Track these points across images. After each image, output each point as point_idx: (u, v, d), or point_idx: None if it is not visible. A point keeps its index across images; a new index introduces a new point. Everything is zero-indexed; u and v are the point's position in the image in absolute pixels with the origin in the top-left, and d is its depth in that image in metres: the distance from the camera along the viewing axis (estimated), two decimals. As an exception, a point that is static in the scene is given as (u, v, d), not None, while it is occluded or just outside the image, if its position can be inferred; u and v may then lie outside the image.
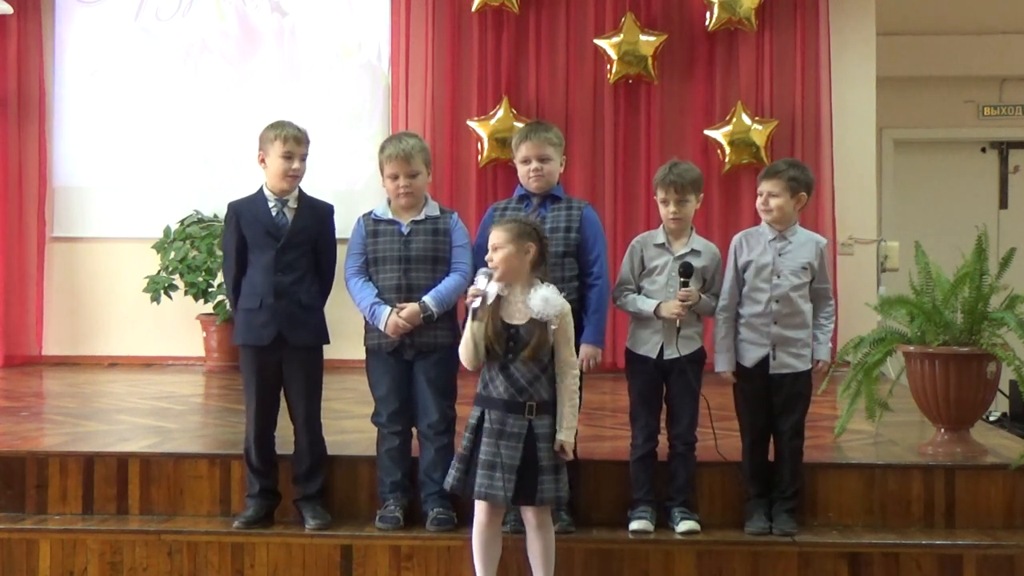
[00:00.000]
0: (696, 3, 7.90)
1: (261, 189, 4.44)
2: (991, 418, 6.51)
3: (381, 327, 4.27)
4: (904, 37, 8.88)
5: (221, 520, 4.45)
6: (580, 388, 4.19)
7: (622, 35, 7.75)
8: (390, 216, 4.39)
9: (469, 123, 7.90)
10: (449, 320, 4.33)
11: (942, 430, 4.66)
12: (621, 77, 7.81)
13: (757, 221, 4.48)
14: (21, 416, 5.75)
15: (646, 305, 4.24)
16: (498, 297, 3.82)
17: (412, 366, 4.34)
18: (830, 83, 7.88)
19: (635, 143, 7.92)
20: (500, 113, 7.81)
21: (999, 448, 4.75)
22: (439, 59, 8.01)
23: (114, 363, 8.30)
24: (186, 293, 7.81)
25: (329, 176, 7.39)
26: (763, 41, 7.87)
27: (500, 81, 7.95)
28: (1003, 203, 9.56)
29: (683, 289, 4.16)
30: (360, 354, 4.44)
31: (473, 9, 7.90)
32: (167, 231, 8.05)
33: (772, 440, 4.32)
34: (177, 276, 7.86)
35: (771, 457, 4.33)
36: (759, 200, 4.34)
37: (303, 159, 4.41)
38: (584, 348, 4.22)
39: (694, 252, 4.26)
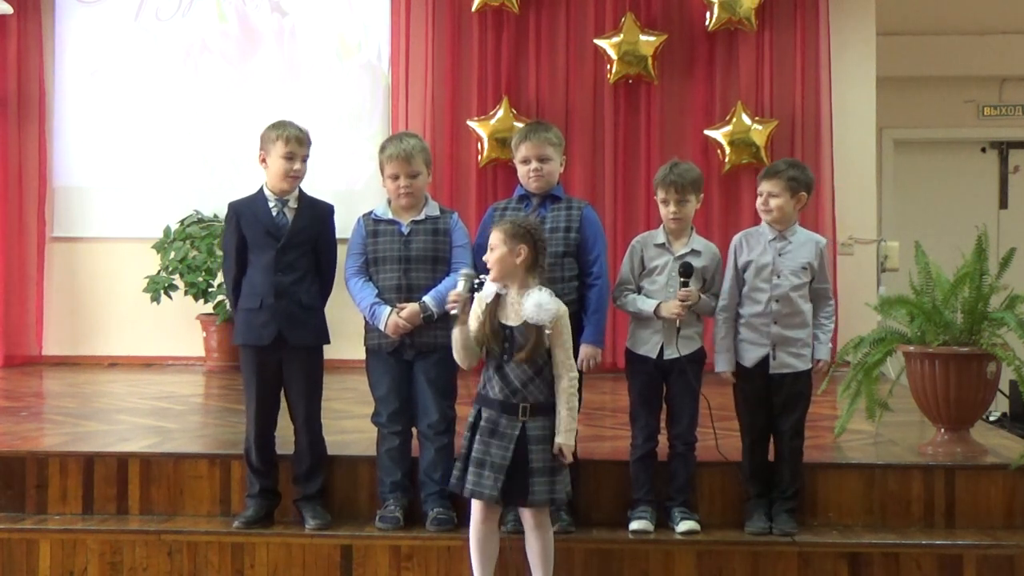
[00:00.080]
0: (696, 3, 7.90)
1: (261, 189, 4.44)
2: (991, 418, 6.51)
3: (381, 327, 4.27)
4: (904, 37, 8.88)
5: (221, 520, 4.45)
6: (580, 388, 4.19)
7: (622, 35, 7.75)
8: (390, 216, 4.39)
9: (469, 123, 7.90)
10: (449, 320, 4.33)
11: (942, 430, 4.66)
12: (621, 77, 7.81)
13: (757, 221, 4.48)
14: (21, 416, 5.75)
15: (646, 305, 4.24)
16: (497, 296, 3.82)
17: (412, 366, 4.34)
18: (830, 83, 7.88)
19: (635, 143, 7.92)
20: (500, 113, 7.81)
21: (999, 448, 4.75)
22: (439, 59, 8.01)
23: (114, 363, 8.30)
24: (186, 293, 7.81)
25: (329, 176, 7.39)
26: (763, 41, 7.86)
27: (500, 81, 7.95)
28: (1003, 203, 9.56)
29: (683, 289, 4.16)
30: (360, 354, 4.44)
31: (473, 9, 7.90)
32: (167, 231, 8.04)
33: (772, 440, 4.32)
34: (177, 276, 7.85)
35: (771, 457, 4.33)
36: (759, 200, 4.34)
37: (304, 160, 4.41)
38: (584, 348, 4.23)
39: (694, 252, 4.26)
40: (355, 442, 4.77)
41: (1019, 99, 9.40)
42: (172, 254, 7.88)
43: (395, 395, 4.34)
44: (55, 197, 8.44)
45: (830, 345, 4.35)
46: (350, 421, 5.27)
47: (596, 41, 7.87)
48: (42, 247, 8.39)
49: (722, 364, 4.32)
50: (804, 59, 7.87)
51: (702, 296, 4.23)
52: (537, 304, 3.74)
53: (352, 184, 8.08)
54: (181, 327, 8.09)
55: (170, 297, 7.90)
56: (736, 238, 4.39)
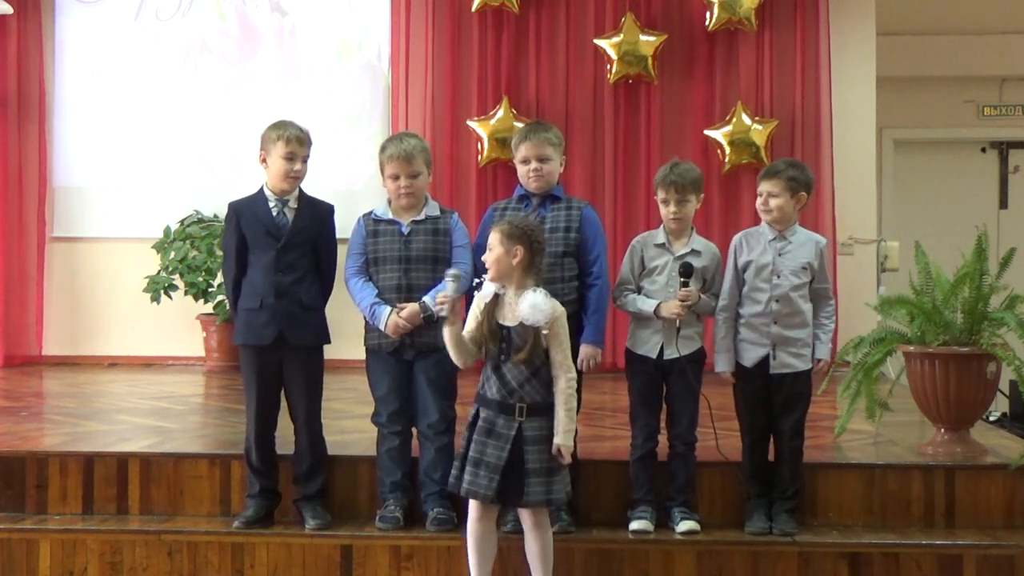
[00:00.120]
0: (696, 3, 7.90)
1: (261, 189, 4.44)
2: (991, 418, 6.51)
3: (381, 327, 4.27)
4: (904, 37, 8.88)
5: (221, 520, 4.45)
6: (580, 388, 4.19)
7: (622, 35, 7.76)
8: (390, 216, 4.39)
9: (469, 123, 7.90)
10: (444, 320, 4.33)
11: (942, 430, 4.66)
12: (621, 77, 7.81)
13: (757, 221, 4.48)
14: (21, 416, 5.75)
15: (646, 305, 4.24)
16: (495, 296, 3.82)
17: (412, 366, 4.34)
18: (830, 83, 7.88)
19: (635, 143, 7.92)
20: (500, 113, 7.81)
21: (999, 448, 4.75)
22: (439, 59, 8.01)
23: (114, 363, 8.30)
24: (186, 293, 7.81)
25: (329, 176, 7.38)
26: (763, 41, 7.86)
27: (500, 81, 7.95)
28: (1003, 203, 9.56)
29: (683, 289, 4.16)
30: (360, 354, 4.44)
31: (473, 9, 7.90)
32: (167, 231, 8.05)
33: (772, 440, 4.32)
34: (177, 276, 7.85)
35: (771, 457, 4.33)
36: (759, 200, 4.34)
37: (305, 160, 4.41)
38: (584, 348, 4.23)
39: (694, 252, 4.26)
40: (355, 442, 4.77)
41: (1019, 99, 9.40)
42: (172, 254, 7.88)
43: (395, 395, 4.34)
44: (55, 197, 8.44)
45: (830, 345, 4.35)
46: (350, 421, 5.27)
47: (596, 41, 7.87)
48: (42, 247, 8.39)
49: (722, 364, 4.32)
50: (804, 59, 7.87)
51: (702, 296, 4.23)
52: (532, 305, 3.73)
53: (352, 184, 8.08)
54: (181, 327, 8.09)
55: (170, 297, 7.90)
56: (736, 238, 4.39)
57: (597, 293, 4.29)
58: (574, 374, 3.83)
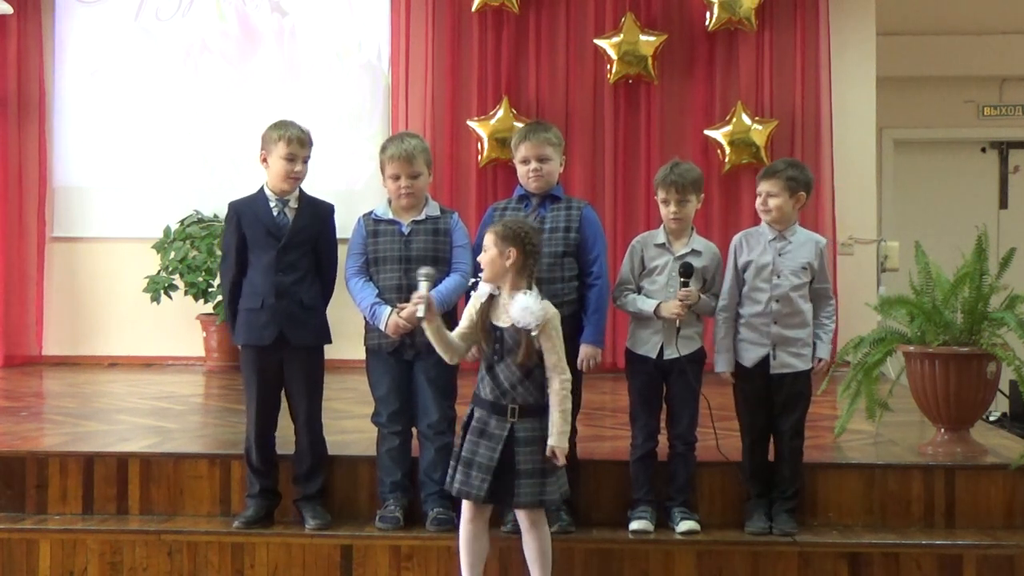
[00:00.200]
0: (696, 3, 7.90)
1: (262, 189, 4.44)
2: (991, 418, 6.51)
3: (381, 327, 4.27)
4: (904, 37, 8.88)
5: (221, 520, 4.45)
6: (580, 389, 4.21)
7: (622, 35, 7.76)
8: (391, 216, 4.39)
9: (469, 123, 7.90)
10: (450, 320, 4.33)
11: (942, 430, 4.66)
12: (621, 77, 7.81)
13: (757, 221, 4.48)
14: (21, 416, 5.75)
15: (646, 305, 4.24)
16: (490, 297, 3.83)
17: (412, 366, 4.34)
18: (830, 83, 7.88)
19: (635, 143, 7.92)
20: (500, 113, 7.82)
21: (999, 448, 4.75)
22: (439, 59, 8.01)
23: (114, 363, 8.30)
24: (186, 293, 7.81)
25: (329, 176, 7.37)
26: (763, 41, 7.86)
27: (500, 81, 7.95)
28: (1003, 203, 9.56)
29: (683, 289, 4.16)
30: (360, 354, 4.44)
31: (473, 9, 7.90)
32: (167, 231, 8.05)
33: (772, 440, 4.32)
34: (177, 276, 7.85)
35: (771, 457, 4.33)
36: (758, 200, 4.34)
37: (305, 161, 4.40)
38: (584, 348, 4.23)
39: (694, 252, 4.26)
40: (355, 442, 4.77)
41: (1019, 99, 9.40)
42: (172, 254, 7.88)
43: (395, 395, 4.34)
44: (55, 197, 8.44)
45: (831, 345, 4.35)
46: (350, 421, 5.27)
47: (596, 41, 7.87)
48: (42, 247, 8.39)
49: (722, 364, 4.32)
50: (804, 59, 7.87)
51: (702, 296, 4.23)
52: (523, 308, 3.73)
53: (352, 184, 8.08)
54: (181, 327, 8.09)
55: (170, 297, 7.90)
56: (736, 238, 4.39)
57: (597, 293, 4.28)
58: (568, 376, 3.81)
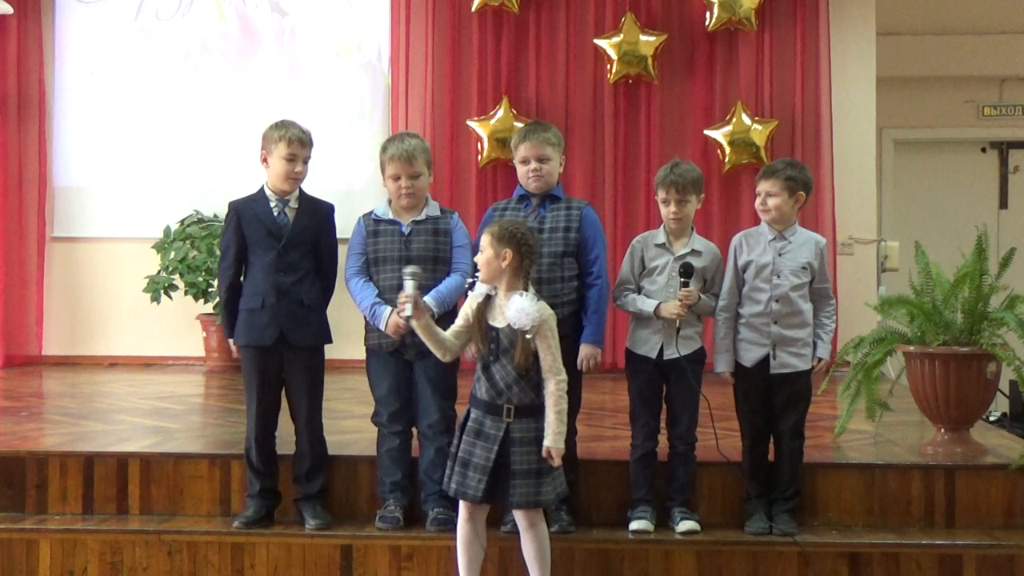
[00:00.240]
0: (696, 3, 7.90)
1: (262, 188, 4.43)
2: (991, 418, 6.50)
3: (382, 327, 4.27)
4: (904, 37, 8.88)
5: (221, 520, 4.45)
6: (580, 388, 4.22)
7: (622, 35, 7.76)
8: (391, 216, 4.38)
9: (469, 123, 7.90)
10: (450, 320, 4.33)
11: (942, 430, 4.66)
12: (621, 77, 7.81)
13: (757, 221, 4.48)
14: (21, 416, 5.75)
15: (646, 305, 4.24)
16: (486, 297, 3.83)
17: (412, 366, 4.34)
18: (830, 83, 7.88)
19: (635, 143, 7.92)
20: (500, 113, 7.82)
21: (999, 448, 4.75)
22: (439, 59, 8.01)
23: (114, 363, 8.30)
24: (186, 293, 7.81)
25: (329, 176, 7.38)
26: (763, 41, 7.86)
27: (500, 81, 7.95)
28: (1003, 203, 9.56)
29: (683, 289, 4.16)
30: (360, 354, 4.45)
31: (473, 9, 7.90)
32: (167, 231, 8.05)
33: (772, 440, 4.32)
34: (177, 276, 7.85)
35: (771, 457, 4.33)
36: (757, 200, 4.34)
37: (306, 162, 4.40)
38: (584, 348, 4.23)
39: (695, 252, 4.26)
40: (355, 442, 4.77)
41: (1019, 99, 9.40)
42: (172, 254, 7.88)
43: (395, 395, 4.34)
44: (55, 197, 8.45)
45: (831, 345, 4.35)
46: (350, 421, 5.27)
47: (596, 41, 7.87)
48: (42, 247, 8.40)
49: (722, 364, 4.32)
50: (804, 59, 7.87)
51: (702, 296, 4.23)
52: (519, 309, 3.74)
53: (352, 184, 8.08)
54: (181, 327, 8.09)
55: (170, 297, 7.90)
56: (736, 238, 4.39)
57: (597, 293, 4.28)
58: (564, 377, 3.80)
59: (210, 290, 7.77)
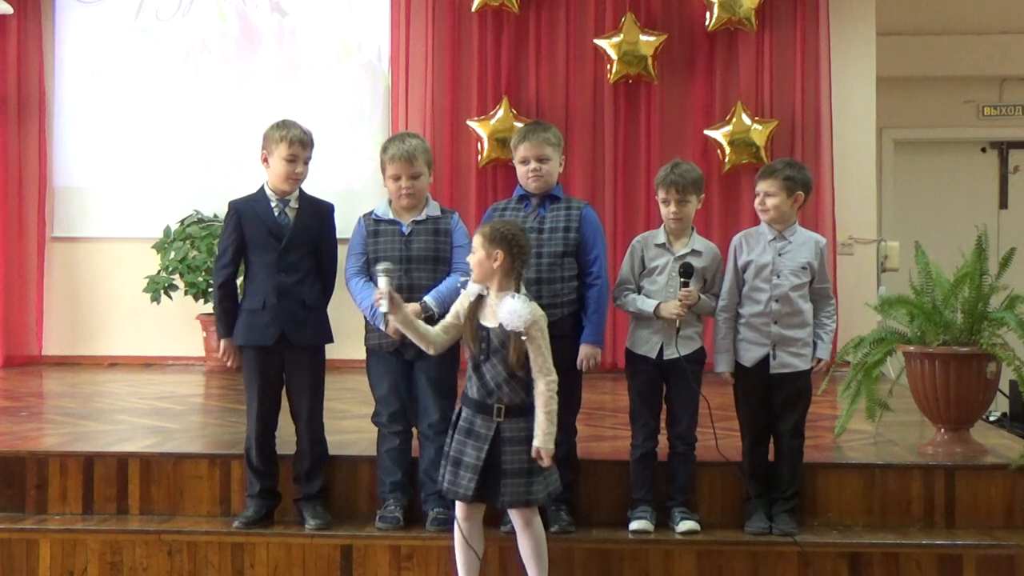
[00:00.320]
0: (696, 3, 7.90)
1: (262, 188, 4.43)
2: (991, 418, 6.50)
3: (381, 327, 4.26)
4: (904, 37, 8.88)
5: (221, 520, 4.45)
6: (580, 388, 4.23)
7: (622, 35, 7.75)
8: (391, 216, 4.38)
9: (469, 123, 7.90)
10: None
11: (942, 430, 4.66)
12: (621, 77, 7.81)
13: (757, 221, 4.48)
14: (21, 416, 5.75)
15: (646, 305, 4.24)
16: (478, 296, 3.84)
17: (413, 366, 4.34)
18: (830, 83, 7.88)
19: (635, 143, 7.92)
20: (500, 113, 7.82)
21: (999, 448, 4.75)
22: (439, 59, 8.01)
23: (114, 363, 8.30)
24: (186, 293, 7.81)
25: (329, 176, 7.38)
26: (763, 41, 7.86)
27: (500, 81, 7.95)
28: (1003, 203, 9.56)
29: (683, 289, 4.16)
30: (360, 354, 4.45)
31: (473, 9, 7.90)
32: (167, 231, 8.04)
33: (772, 440, 4.32)
34: (177, 276, 7.85)
35: (771, 457, 4.33)
36: (756, 200, 4.35)
37: (307, 162, 4.40)
38: (583, 348, 4.23)
39: (695, 252, 4.26)
40: (355, 442, 4.77)
41: (1019, 99, 9.40)
42: (172, 254, 7.88)
43: (395, 395, 4.34)
44: (55, 197, 8.44)
45: (831, 345, 4.35)
46: (350, 421, 5.27)
47: (596, 41, 7.86)
48: (42, 247, 8.39)
49: (722, 364, 4.32)
50: (804, 59, 7.86)
51: (702, 296, 4.23)
52: (510, 311, 3.74)
53: (352, 184, 8.08)
54: (181, 327, 8.09)
55: (170, 297, 7.89)
56: (736, 238, 4.39)
57: (597, 293, 4.28)
58: (554, 377, 3.80)
59: (210, 290, 7.76)
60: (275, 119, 4.48)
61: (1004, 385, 5.88)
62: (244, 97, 8.31)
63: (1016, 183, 9.58)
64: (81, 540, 4.37)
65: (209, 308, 7.83)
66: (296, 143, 4.33)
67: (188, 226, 8.02)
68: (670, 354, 4.22)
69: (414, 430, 4.38)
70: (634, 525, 4.23)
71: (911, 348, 4.68)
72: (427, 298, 4.25)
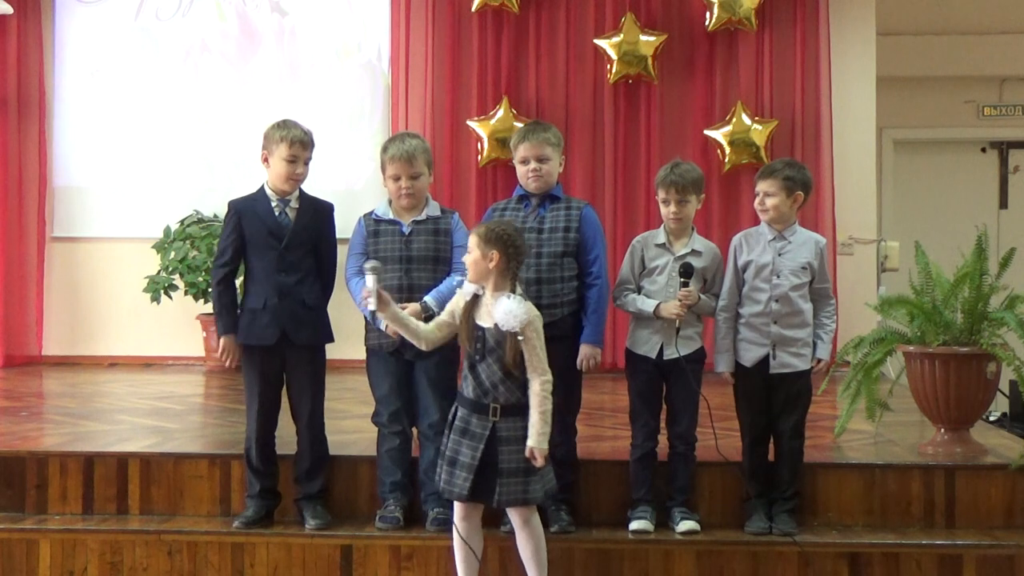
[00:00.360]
0: (696, 3, 7.90)
1: (262, 188, 4.43)
2: (991, 418, 6.50)
3: (382, 327, 4.27)
4: (904, 37, 8.88)
5: (221, 520, 4.45)
6: (580, 388, 4.23)
7: (622, 35, 7.75)
8: (391, 216, 4.39)
9: (469, 123, 7.90)
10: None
11: (942, 430, 4.66)
12: (621, 77, 7.81)
13: (757, 221, 4.48)
14: (21, 416, 5.75)
15: (646, 305, 4.24)
16: (474, 296, 3.84)
17: (413, 366, 4.34)
18: (830, 83, 7.88)
19: (635, 143, 7.92)
20: (500, 113, 7.81)
21: (999, 448, 4.75)
22: (439, 59, 8.01)
23: (114, 363, 8.30)
24: (186, 293, 7.81)
25: (329, 176, 7.38)
26: (763, 41, 7.86)
27: (500, 81, 7.95)
28: (1003, 203, 9.56)
29: (683, 289, 4.16)
30: (360, 354, 4.45)
31: (473, 9, 7.90)
32: (167, 231, 8.04)
33: (772, 440, 4.32)
34: (177, 276, 7.85)
35: (771, 457, 4.33)
36: (756, 200, 4.35)
37: (307, 163, 4.39)
38: (583, 348, 4.23)
39: (695, 252, 4.26)
40: (355, 442, 4.77)
41: (1019, 99, 9.40)
42: (172, 254, 7.88)
43: (395, 395, 4.34)
44: (55, 197, 8.44)
45: (831, 345, 4.35)
46: (350, 421, 5.27)
47: (596, 41, 7.86)
48: (42, 247, 8.39)
49: (722, 364, 4.32)
50: (804, 59, 7.86)
51: (702, 296, 4.23)
52: (506, 312, 3.75)
53: (352, 184, 8.08)
54: (181, 327, 8.09)
55: (170, 297, 7.89)
56: (736, 238, 4.39)
57: (597, 293, 4.29)
58: (549, 377, 3.80)
59: (210, 290, 7.75)
60: (275, 119, 4.48)
61: (1004, 385, 5.88)
62: (244, 97, 8.31)
63: (1016, 183, 9.58)
64: (81, 540, 4.37)
65: (209, 308, 7.82)
66: (297, 143, 4.33)
67: (188, 226, 8.02)
68: (670, 354, 4.22)
69: (414, 430, 4.38)
70: (634, 525, 4.23)
71: (911, 348, 4.68)
72: (427, 298, 4.25)
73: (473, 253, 3.82)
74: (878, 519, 4.39)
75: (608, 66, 7.83)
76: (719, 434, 4.28)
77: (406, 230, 4.34)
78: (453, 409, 3.91)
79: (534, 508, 3.90)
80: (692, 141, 7.88)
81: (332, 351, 4.50)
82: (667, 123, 7.93)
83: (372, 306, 3.86)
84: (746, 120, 7.69)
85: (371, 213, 4.43)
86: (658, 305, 4.21)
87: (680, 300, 4.15)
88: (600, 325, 4.30)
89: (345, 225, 4.51)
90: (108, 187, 8.40)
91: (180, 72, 8.40)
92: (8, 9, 7.98)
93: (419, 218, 4.36)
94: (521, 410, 3.79)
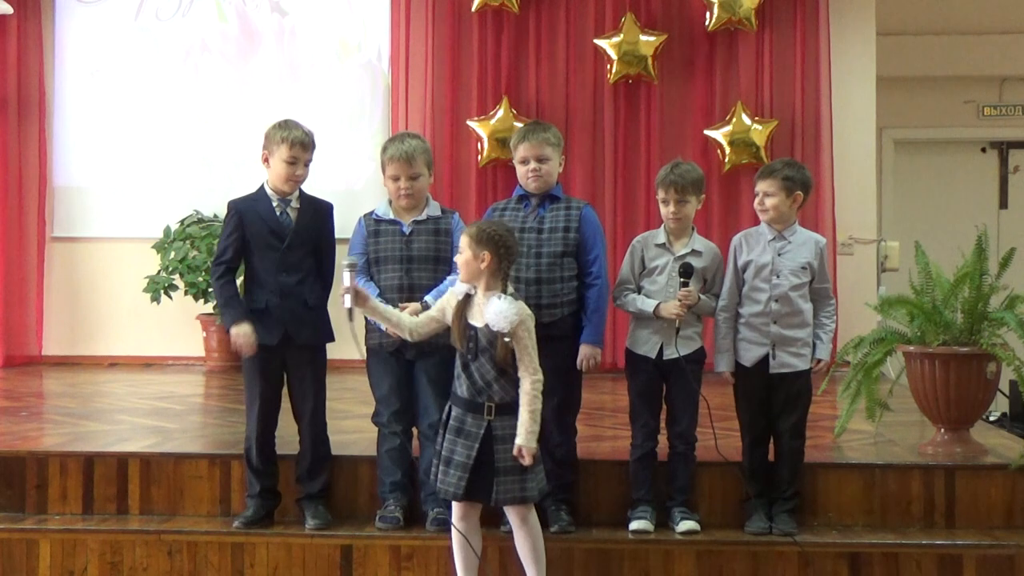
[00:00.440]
0: (696, 3, 7.90)
1: (262, 188, 4.42)
2: (991, 418, 6.50)
3: (382, 327, 4.26)
4: (904, 37, 8.88)
5: (221, 520, 4.45)
6: (580, 388, 4.23)
7: (622, 35, 7.76)
8: (391, 216, 4.39)
9: (469, 123, 7.90)
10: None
11: (942, 430, 4.66)
12: (621, 77, 7.81)
13: (757, 221, 4.48)
14: (21, 416, 5.75)
15: (646, 305, 4.24)
16: (466, 296, 3.85)
17: (413, 366, 4.34)
18: (830, 83, 7.88)
19: (635, 143, 7.92)
20: (500, 113, 7.82)
21: (999, 448, 4.75)
22: (439, 59, 8.01)
23: (114, 363, 8.30)
24: (186, 293, 7.81)
25: (329, 176, 7.37)
26: (763, 41, 7.86)
27: (500, 81, 7.95)
28: (1003, 203, 9.56)
29: (683, 289, 4.16)
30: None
31: (473, 9, 7.90)
32: (167, 231, 8.05)
33: (772, 440, 4.32)
34: (177, 276, 7.85)
35: (771, 457, 4.33)
36: (756, 200, 4.35)
37: (307, 164, 4.39)
38: (583, 348, 4.23)
39: (695, 252, 4.26)
40: (355, 442, 4.77)
41: (1019, 99, 9.40)
42: (172, 254, 7.88)
43: (396, 395, 4.34)
44: (55, 197, 8.44)
45: (831, 345, 4.35)
46: (350, 421, 5.27)
47: (596, 41, 7.86)
48: (42, 247, 8.39)
49: (722, 364, 4.32)
50: (804, 59, 7.87)
51: (702, 296, 4.23)
52: (497, 312, 3.76)
53: (352, 184, 8.08)
54: (181, 327, 8.09)
55: (170, 297, 7.90)
56: (736, 238, 4.39)
57: (596, 293, 4.29)
58: (539, 376, 3.81)
59: (210, 290, 7.76)
60: (275, 119, 4.47)
61: (1004, 385, 5.88)
62: (244, 97, 8.31)
63: (1016, 183, 9.58)
64: (81, 540, 4.37)
65: (209, 308, 7.84)
66: (297, 145, 4.32)
67: (188, 226, 8.02)
68: (670, 354, 4.22)
69: (414, 430, 4.38)
70: (634, 525, 4.23)
71: (911, 348, 4.68)
72: (428, 297, 4.25)
73: (464, 253, 3.83)
74: (878, 519, 4.39)
75: (608, 66, 7.83)
76: (719, 434, 4.28)
77: (407, 230, 4.34)
78: (447, 408, 3.91)
79: (531, 506, 3.90)
80: (692, 141, 7.88)
81: (333, 351, 4.50)
82: (667, 123, 7.93)
83: (349, 303, 3.87)
84: (746, 120, 7.69)
85: (371, 213, 4.43)
86: (658, 305, 4.21)
87: (680, 300, 4.15)
88: (600, 325, 4.30)
89: (345, 225, 4.51)
90: (108, 187, 8.40)
91: (180, 72, 8.40)
92: (8, 9, 7.98)
93: (420, 218, 4.36)
94: (517, 408, 3.80)
